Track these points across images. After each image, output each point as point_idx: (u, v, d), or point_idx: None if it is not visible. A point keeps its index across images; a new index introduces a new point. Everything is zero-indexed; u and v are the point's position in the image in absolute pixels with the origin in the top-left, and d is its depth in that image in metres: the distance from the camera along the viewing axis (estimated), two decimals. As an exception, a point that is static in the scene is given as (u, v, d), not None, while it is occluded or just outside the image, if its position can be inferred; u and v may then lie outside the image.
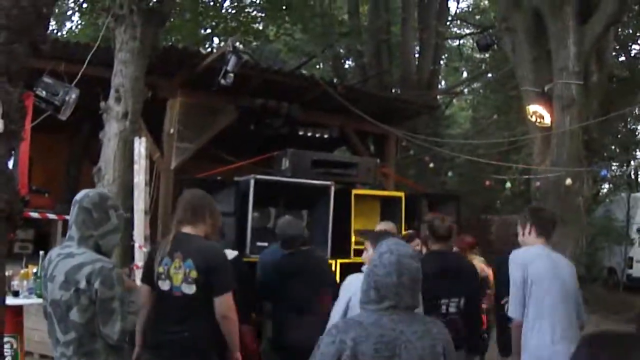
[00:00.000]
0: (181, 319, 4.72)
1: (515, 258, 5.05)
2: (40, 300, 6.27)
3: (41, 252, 6.23)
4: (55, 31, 22.67)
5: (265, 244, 8.76)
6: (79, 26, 23.46)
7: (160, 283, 4.75)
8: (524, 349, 4.86)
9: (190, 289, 4.67)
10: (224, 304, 4.76)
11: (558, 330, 4.77)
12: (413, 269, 3.19)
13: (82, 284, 3.71)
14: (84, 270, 3.74)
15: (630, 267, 20.79)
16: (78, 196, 4.03)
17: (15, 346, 6.29)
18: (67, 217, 11.20)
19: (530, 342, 4.82)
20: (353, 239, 9.40)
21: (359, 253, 7.94)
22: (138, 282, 5.17)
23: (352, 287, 4.74)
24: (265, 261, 6.96)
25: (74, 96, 6.67)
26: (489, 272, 7.69)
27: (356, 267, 7.91)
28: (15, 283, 6.24)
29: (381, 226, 8.23)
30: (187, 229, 4.90)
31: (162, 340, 4.76)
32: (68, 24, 24.20)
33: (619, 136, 20.78)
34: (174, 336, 4.68)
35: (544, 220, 5.26)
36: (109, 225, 4.02)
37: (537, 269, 4.90)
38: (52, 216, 11.62)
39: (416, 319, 3.21)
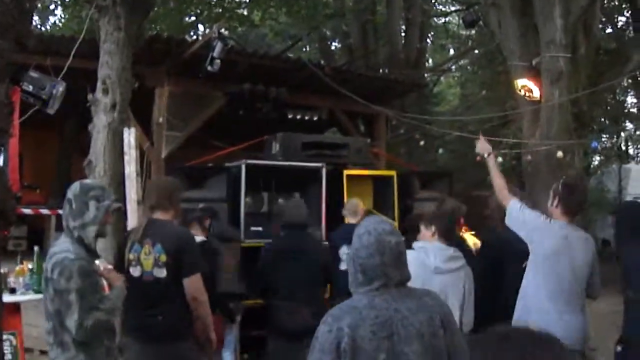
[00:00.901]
0: (154, 303, 4.81)
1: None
2: (37, 296, 6.29)
3: (36, 248, 6.23)
4: (38, 26, 22.56)
5: (260, 228, 8.81)
6: (63, 20, 23.35)
7: (131, 270, 4.86)
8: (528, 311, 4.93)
9: (161, 273, 4.75)
10: (193, 284, 4.87)
11: (560, 302, 4.86)
12: (394, 245, 3.20)
13: (49, 273, 3.86)
14: (52, 260, 3.88)
15: (624, 238, 20.88)
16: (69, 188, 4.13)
17: (14, 343, 6.31)
18: (60, 211, 11.19)
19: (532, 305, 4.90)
20: (346, 220, 9.41)
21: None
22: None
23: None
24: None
25: (61, 89, 6.62)
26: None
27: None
28: (11, 280, 6.24)
29: (348, 206, 8.40)
30: (157, 215, 4.97)
31: (136, 325, 4.84)
32: (51, 18, 24.09)
33: (608, 108, 20.83)
34: (147, 320, 4.77)
35: (571, 201, 5.26)
36: (86, 216, 4.03)
37: (547, 248, 5.02)
38: (45, 212, 11.61)
39: (409, 294, 3.22)
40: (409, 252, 5.34)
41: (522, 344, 1.71)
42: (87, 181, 4.25)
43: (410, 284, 4.92)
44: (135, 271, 4.87)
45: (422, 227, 5.58)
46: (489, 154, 5.83)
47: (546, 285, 4.96)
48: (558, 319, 4.80)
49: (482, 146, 6.07)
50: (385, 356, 2.99)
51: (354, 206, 8.41)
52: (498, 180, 5.55)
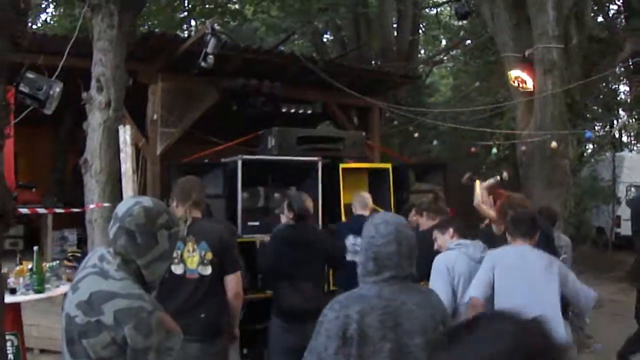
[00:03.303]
0: (197, 301, 4.85)
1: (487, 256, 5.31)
2: (38, 296, 6.30)
3: (35, 248, 6.24)
4: (30, 24, 22.48)
5: (257, 223, 8.82)
6: (55, 18, 23.27)
7: (172, 267, 4.82)
8: None
9: (206, 270, 4.78)
10: (236, 281, 4.95)
11: None
12: (411, 238, 3.27)
13: (108, 320, 2.98)
14: (115, 304, 3.00)
15: (619, 225, 21.01)
16: (119, 209, 3.24)
17: (16, 343, 6.31)
18: (56, 210, 11.17)
19: None
20: (343, 213, 9.44)
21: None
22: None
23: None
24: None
25: (57, 90, 6.65)
26: None
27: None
28: (11, 280, 6.24)
29: (358, 198, 8.49)
30: (195, 213, 5.04)
31: (178, 324, 4.84)
32: (43, 16, 23.99)
33: (601, 97, 20.86)
34: (190, 318, 4.77)
35: (517, 221, 5.40)
36: (156, 251, 3.19)
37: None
38: (42, 211, 11.59)
39: (415, 289, 3.31)
40: (450, 252, 5.55)
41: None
42: (149, 204, 3.24)
43: (459, 276, 5.14)
44: (177, 269, 4.90)
45: (438, 234, 5.78)
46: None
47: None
48: None
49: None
50: (390, 346, 3.04)
51: (365, 199, 8.47)
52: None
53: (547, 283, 4.98)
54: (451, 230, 5.74)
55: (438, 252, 5.74)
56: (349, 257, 7.42)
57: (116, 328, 2.95)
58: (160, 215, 3.21)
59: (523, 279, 4.96)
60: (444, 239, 5.75)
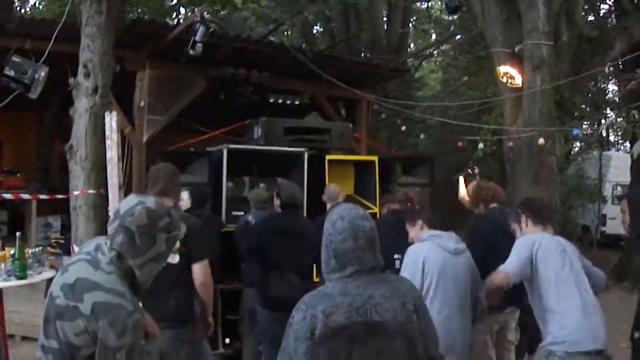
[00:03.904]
0: (166, 288, 4.82)
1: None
2: (20, 282, 6.25)
3: (18, 234, 6.19)
4: (18, 8, 22.34)
5: (241, 213, 8.80)
6: (43, 2, 23.14)
7: None
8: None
9: (174, 259, 4.74)
10: (202, 270, 4.99)
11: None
12: (368, 230, 3.21)
13: (85, 309, 2.96)
14: (96, 295, 2.98)
15: (604, 224, 21.15)
16: (122, 207, 3.25)
17: (-3, 330, 6.28)
18: (41, 196, 11.12)
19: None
20: (328, 205, 9.43)
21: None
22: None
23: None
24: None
25: (43, 74, 6.62)
26: None
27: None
28: (-7, 266, 6.20)
29: (328, 191, 8.50)
30: (167, 202, 5.00)
31: (149, 309, 4.81)
32: (31, 0, 23.85)
33: (590, 95, 20.93)
34: (160, 305, 4.77)
35: (537, 208, 5.34)
36: (152, 252, 3.21)
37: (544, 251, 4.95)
38: (26, 196, 11.54)
39: (383, 280, 3.23)
40: (423, 243, 5.50)
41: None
42: (152, 205, 3.23)
43: (432, 267, 5.09)
44: None
45: (409, 227, 5.75)
46: None
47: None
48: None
49: None
50: None
51: (333, 192, 8.46)
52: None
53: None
54: (420, 221, 5.71)
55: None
56: None
57: (91, 319, 2.92)
58: (162, 218, 3.22)
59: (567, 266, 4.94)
60: (415, 231, 5.71)
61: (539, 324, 4.96)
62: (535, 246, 4.93)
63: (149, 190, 5.22)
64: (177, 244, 4.75)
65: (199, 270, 5.00)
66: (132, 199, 3.29)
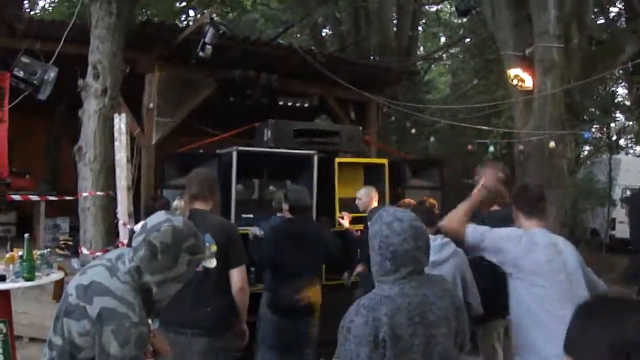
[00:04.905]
0: (202, 294, 4.77)
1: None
2: (28, 284, 6.24)
3: (26, 235, 6.16)
4: (28, 10, 22.40)
5: (250, 215, 8.78)
6: (52, 4, 23.20)
7: None
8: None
9: (211, 263, 4.70)
10: (241, 275, 4.89)
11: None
12: (424, 231, 3.28)
13: (92, 312, 2.96)
14: (105, 300, 2.97)
15: (613, 228, 21.07)
16: (149, 221, 3.21)
17: (5, 331, 6.26)
18: (49, 197, 11.12)
19: None
20: (337, 207, 9.40)
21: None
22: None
23: None
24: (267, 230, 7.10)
25: (52, 75, 6.61)
26: None
27: (339, 235, 8.08)
28: (1, 267, 6.17)
29: (362, 192, 8.48)
30: (198, 205, 4.96)
31: (184, 319, 4.73)
32: (41, 2, 23.91)
33: (599, 99, 20.86)
34: (195, 313, 4.71)
35: (529, 200, 4.78)
36: (173, 272, 3.15)
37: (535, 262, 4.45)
38: (34, 198, 11.53)
39: (431, 280, 3.31)
40: None
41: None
42: (179, 224, 3.18)
43: None
44: None
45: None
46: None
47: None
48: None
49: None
50: (419, 342, 3.05)
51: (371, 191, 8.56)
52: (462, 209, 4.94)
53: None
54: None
55: None
56: None
57: (96, 323, 2.91)
58: (187, 238, 3.17)
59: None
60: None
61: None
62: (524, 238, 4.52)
63: (185, 194, 5.25)
64: (214, 247, 4.70)
65: (239, 276, 4.89)
66: (162, 215, 3.27)
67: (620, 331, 1.64)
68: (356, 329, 3.02)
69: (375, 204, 8.37)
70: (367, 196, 8.43)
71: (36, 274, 6.22)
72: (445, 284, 3.40)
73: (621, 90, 24.28)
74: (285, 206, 6.92)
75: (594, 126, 21.39)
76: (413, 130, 15.59)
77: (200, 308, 4.76)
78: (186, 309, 4.60)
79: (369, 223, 7.93)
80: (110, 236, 8.98)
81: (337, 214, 9.16)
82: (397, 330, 2.99)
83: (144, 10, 18.87)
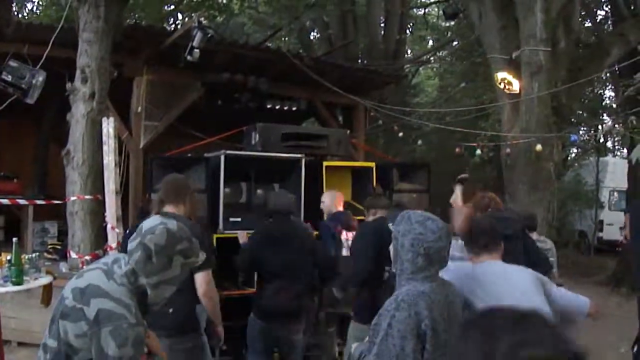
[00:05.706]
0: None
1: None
2: (16, 288, 6.23)
3: (14, 239, 6.16)
4: (16, 13, 22.34)
5: (238, 219, 8.77)
6: (40, 7, 23.15)
7: None
8: None
9: None
10: (204, 280, 4.89)
11: None
12: (450, 231, 3.42)
13: (89, 313, 2.99)
14: (102, 302, 3.02)
15: (601, 230, 21.18)
16: (144, 225, 3.27)
17: (-8, 336, 6.25)
18: (38, 201, 11.08)
19: None
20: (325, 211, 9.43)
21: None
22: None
23: None
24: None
25: (40, 79, 6.60)
26: None
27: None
28: (-12, 271, 6.17)
29: (325, 195, 8.52)
30: (168, 209, 4.97)
31: (147, 320, 4.76)
32: (29, 5, 23.86)
33: (586, 101, 20.96)
34: (159, 314, 4.72)
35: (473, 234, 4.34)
36: (167, 274, 3.22)
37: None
38: (22, 202, 11.50)
39: (443, 282, 3.43)
40: None
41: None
42: (173, 227, 3.25)
43: None
44: None
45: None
46: None
47: None
48: None
49: None
50: (445, 337, 3.15)
51: (336, 195, 8.56)
52: None
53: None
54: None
55: None
56: (344, 253, 7.52)
57: (94, 325, 2.95)
58: (181, 241, 3.24)
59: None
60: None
61: None
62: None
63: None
64: None
65: (202, 280, 4.91)
66: (157, 218, 3.34)
67: (490, 349, 1.62)
68: (399, 324, 3.11)
69: (340, 207, 8.39)
70: (330, 200, 8.48)
71: (24, 278, 6.21)
72: (453, 287, 3.49)
73: (608, 93, 24.46)
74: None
75: (582, 129, 21.50)
76: (400, 134, 15.63)
77: (162, 310, 4.78)
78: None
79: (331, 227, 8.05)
80: (99, 240, 8.97)
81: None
82: (434, 324, 3.10)
83: (132, 14, 18.83)
